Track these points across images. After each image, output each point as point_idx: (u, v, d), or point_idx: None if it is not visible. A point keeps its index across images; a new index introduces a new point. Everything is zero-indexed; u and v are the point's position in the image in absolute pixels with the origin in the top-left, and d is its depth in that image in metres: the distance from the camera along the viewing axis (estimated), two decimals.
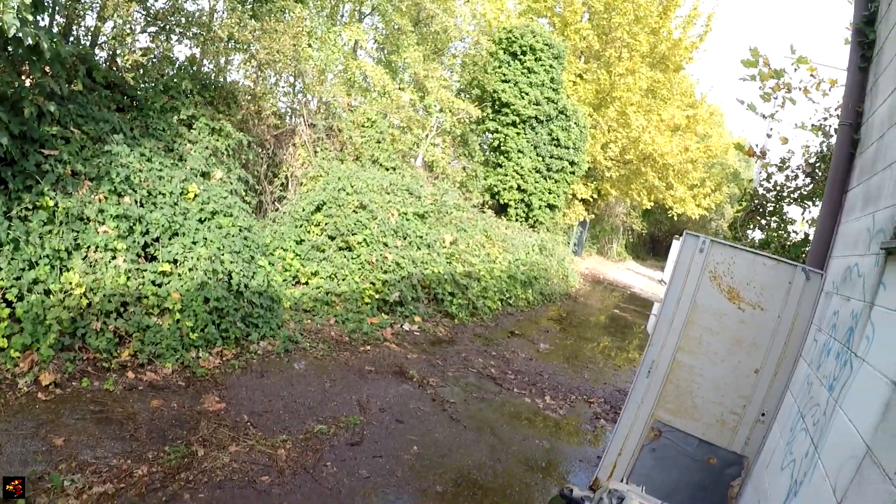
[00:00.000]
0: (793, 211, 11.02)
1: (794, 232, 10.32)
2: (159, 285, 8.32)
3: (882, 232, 4.19)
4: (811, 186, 9.81)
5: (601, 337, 17.33)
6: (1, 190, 7.19)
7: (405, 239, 13.97)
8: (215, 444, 6.52)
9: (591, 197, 30.89)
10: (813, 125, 9.86)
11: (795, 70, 9.66)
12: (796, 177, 10.31)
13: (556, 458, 8.38)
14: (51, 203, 7.38)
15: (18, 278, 6.97)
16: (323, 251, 12.74)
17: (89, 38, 10.31)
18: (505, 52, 22.97)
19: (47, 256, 7.22)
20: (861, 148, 6.02)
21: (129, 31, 10.80)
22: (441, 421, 8.64)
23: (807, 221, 9.90)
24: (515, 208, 23.89)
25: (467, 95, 23.70)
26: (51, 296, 7.18)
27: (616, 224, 43.70)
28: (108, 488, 5.30)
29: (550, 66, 23.15)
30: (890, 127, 4.73)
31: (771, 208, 10.68)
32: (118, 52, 10.42)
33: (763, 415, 6.30)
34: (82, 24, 10.30)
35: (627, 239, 49.20)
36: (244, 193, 11.81)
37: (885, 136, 4.89)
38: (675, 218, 36.61)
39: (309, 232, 13.04)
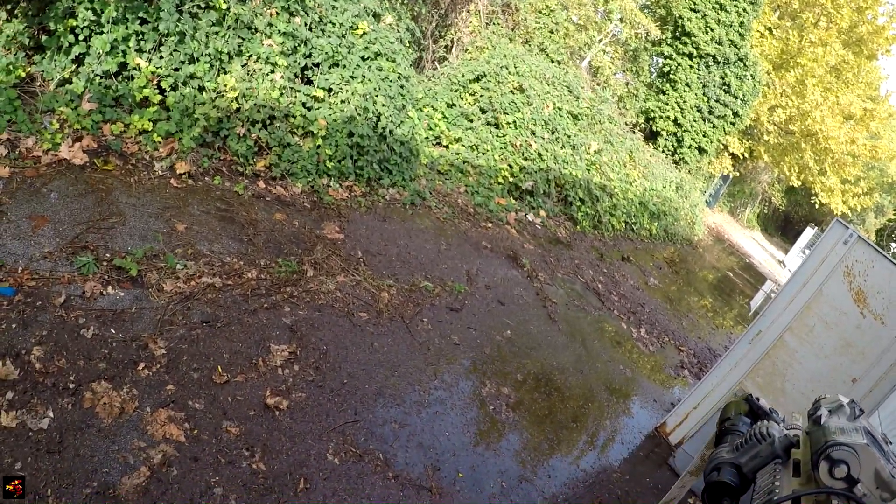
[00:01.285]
0: None
1: None
2: (309, 108, 8.38)
3: None
4: None
5: (708, 293, 16.94)
6: None
7: (553, 133, 13.70)
8: (325, 270, 6.64)
9: (742, 154, 29.47)
10: None
11: None
12: None
13: (633, 389, 8.29)
14: (223, 5, 7.41)
15: (177, 69, 7.09)
16: (471, 121, 12.63)
17: None
18: None
19: (209, 55, 7.31)
20: None
21: None
22: (539, 316, 8.61)
23: None
24: (666, 139, 23.11)
25: (651, 13, 22.74)
26: (204, 93, 7.31)
27: (756, 190, 42.05)
28: (216, 281, 5.48)
29: (744, 9, 21.92)
30: None
31: None
32: None
33: None
34: None
35: (762, 209, 47.35)
36: (408, 44, 11.71)
37: None
38: (817, 206, 34.64)
39: (462, 99, 12.91)
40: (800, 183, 32.22)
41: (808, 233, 36.17)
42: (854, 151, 27.58)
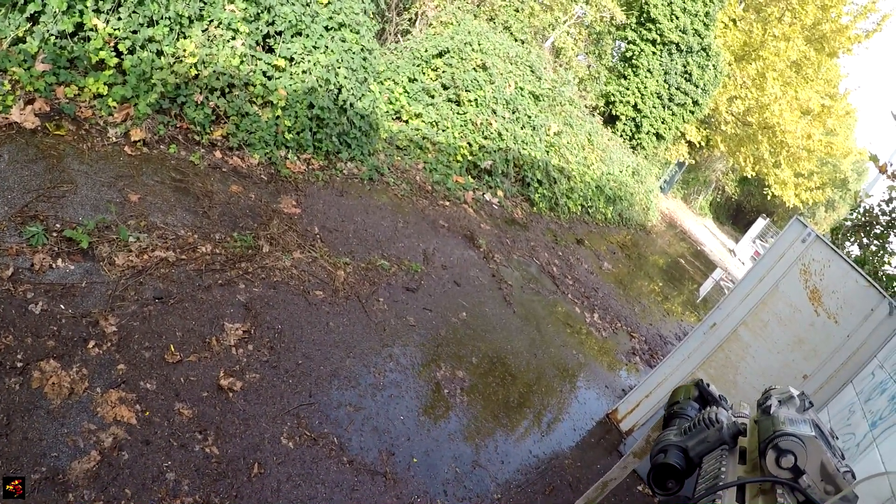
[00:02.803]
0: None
1: (889, 264, 9.81)
2: (270, 78, 8.22)
3: None
4: None
5: (659, 278, 17.16)
6: None
7: (514, 113, 13.65)
8: (281, 246, 6.54)
9: (699, 142, 29.90)
10: None
11: None
12: None
13: (586, 374, 8.38)
14: None
15: (135, 32, 6.87)
16: (432, 97, 12.52)
17: None
18: None
19: (169, 18, 7.10)
20: None
21: None
22: (495, 298, 8.61)
23: None
24: (625, 124, 23.27)
25: None
26: (162, 57, 7.10)
27: (710, 178, 42.78)
28: (169, 255, 5.34)
29: (710, 0, 22.09)
30: None
31: (878, 231, 10.14)
32: None
33: None
34: None
35: (715, 197, 48.15)
36: (371, 15, 11.54)
37: None
38: (769, 197, 35.28)
39: (424, 74, 12.78)
40: (754, 174, 32.72)
41: (760, 223, 36.86)
42: (809, 146, 28.11)
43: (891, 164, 11.16)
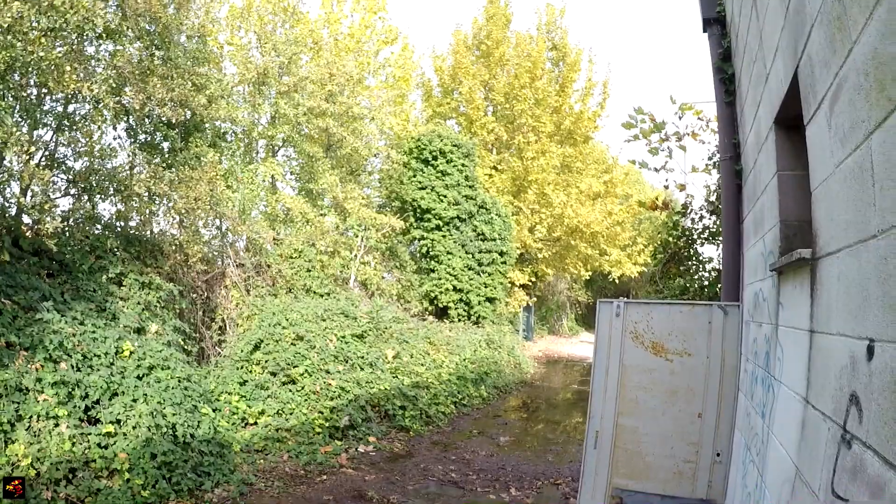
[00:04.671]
0: (709, 250, 11.29)
1: (713, 270, 10.54)
2: (105, 447, 8.32)
3: (772, 253, 4.42)
4: (718, 222, 10.02)
5: (563, 416, 17.47)
6: None
7: (347, 362, 14.06)
8: None
9: (530, 281, 31.30)
10: (706, 164, 10.23)
11: (680, 118, 10.02)
12: (702, 217, 10.62)
13: None
14: None
15: None
16: (267, 388, 12.72)
17: (15, 205, 10.39)
18: (417, 160, 23.56)
19: None
20: (744, 178, 6.36)
21: (47, 197, 10.92)
22: None
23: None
24: (455, 309, 24.06)
25: (389, 208, 24.13)
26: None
27: (562, 300, 44.10)
28: None
29: (462, 164, 23.82)
30: (758, 153, 5.08)
31: (686, 253, 10.97)
32: (41, 218, 10.53)
33: (718, 455, 6.41)
34: (6, 191, 10.39)
35: (576, 312, 49.44)
36: (183, 343, 11.87)
37: (756, 161, 5.24)
38: (617, 281, 37.03)
39: (251, 371, 13.05)
40: (591, 273, 34.53)
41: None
42: (616, 220, 30.42)
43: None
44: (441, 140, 23.50)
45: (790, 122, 4.10)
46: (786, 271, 3.96)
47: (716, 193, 9.99)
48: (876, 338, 2.09)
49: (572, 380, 24.61)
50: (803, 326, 3.40)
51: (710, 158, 10.18)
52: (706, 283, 10.29)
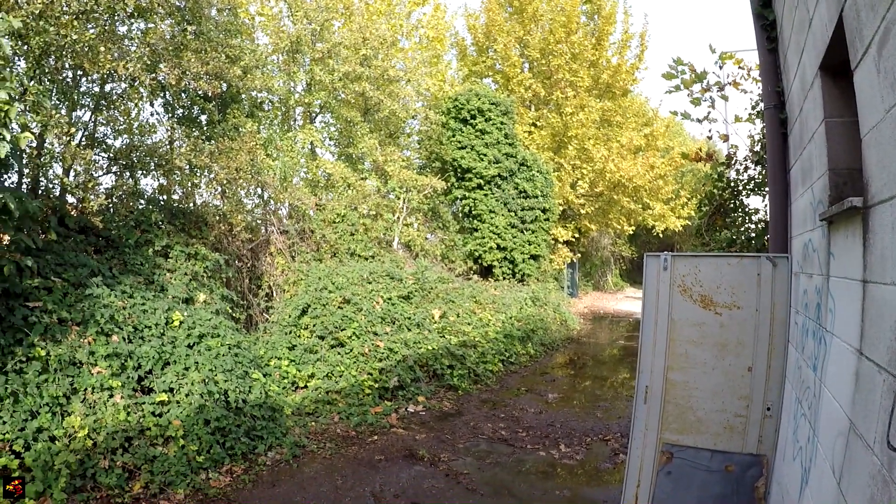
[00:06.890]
0: (755, 201, 11.02)
1: (760, 222, 10.36)
2: (159, 415, 8.50)
3: (821, 203, 4.34)
4: (763, 173, 9.80)
5: (611, 372, 17.44)
6: None
7: (394, 324, 14.17)
8: None
9: (574, 237, 31.19)
10: (749, 114, 10.03)
11: (721, 67, 9.86)
12: (746, 168, 10.42)
13: None
14: (42, 353, 7.64)
15: (22, 429, 7.15)
16: (315, 352, 12.90)
17: (59, 186, 10.63)
18: (455, 120, 23.47)
19: (47, 404, 7.45)
20: (790, 126, 6.23)
21: (90, 176, 11.14)
22: (458, 494, 8.70)
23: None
24: (500, 267, 24.12)
25: (430, 169, 24.05)
26: (56, 441, 7.35)
27: (606, 256, 43.94)
28: None
29: (501, 122, 23.66)
30: (804, 100, 4.97)
31: (731, 205, 10.78)
32: (85, 196, 10.72)
33: (769, 409, 6.31)
34: (49, 172, 10.61)
35: (620, 267, 49.25)
36: (231, 311, 12.05)
37: (803, 109, 5.12)
38: (661, 235, 36.68)
39: (299, 336, 13.23)
40: (634, 228, 34.25)
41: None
42: (659, 174, 29.80)
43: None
44: (478, 99, 23.32)
45: (836, 67, 4.01)
46: (836, 221, 3.89)
47: (760, 143, 9.72)
48: None
49: (618, 335, 24.49)
50: (856, 276, 3.33)
51: (753, 107, 9.96)
52: (753, 234, 10.09)
